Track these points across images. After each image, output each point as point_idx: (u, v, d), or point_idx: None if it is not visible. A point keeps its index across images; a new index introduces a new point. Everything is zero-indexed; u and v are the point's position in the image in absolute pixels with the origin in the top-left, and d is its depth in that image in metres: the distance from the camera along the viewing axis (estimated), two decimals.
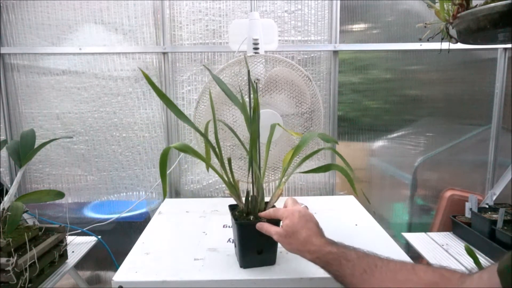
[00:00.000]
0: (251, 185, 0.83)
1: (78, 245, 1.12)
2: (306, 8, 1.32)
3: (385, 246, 0.91)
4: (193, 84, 1.35)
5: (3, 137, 1.36)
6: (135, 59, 1.34)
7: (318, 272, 0.75)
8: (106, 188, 1.42)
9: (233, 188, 0.82)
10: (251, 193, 0.81)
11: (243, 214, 0.81)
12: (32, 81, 1.35)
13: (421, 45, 1.31)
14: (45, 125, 1.38)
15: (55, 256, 0.95)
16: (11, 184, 1.36)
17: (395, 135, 1.41)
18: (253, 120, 0.81)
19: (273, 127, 0.86)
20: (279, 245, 0.74)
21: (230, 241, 0.93)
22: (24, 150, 0.95)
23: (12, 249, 0.83)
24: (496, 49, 1.34)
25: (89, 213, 1.43)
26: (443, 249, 1.11)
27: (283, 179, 0.84)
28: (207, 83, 1.16)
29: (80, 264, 1.11)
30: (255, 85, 1.10)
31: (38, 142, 0.99)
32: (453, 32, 0.65)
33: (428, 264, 0.99)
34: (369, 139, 1.41)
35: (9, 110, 1.37)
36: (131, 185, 1.42)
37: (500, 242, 1.04)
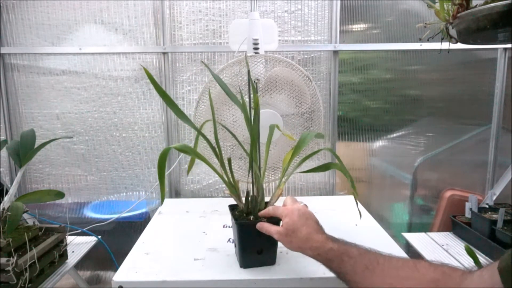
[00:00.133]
0: (251, 185, 0.83)
1: (78, 245, 1.12)
2: (306, 8, 1.32)
3: (385, 246, 0.90)
4: (193, 84, 1.35)
5: (3, 137, 1.36)
6: (135, 59, 1.34)
7: (318, 272, 0.76)
8: (106, 188, 1.42)
9: (233, 188, 0.82)
10: (251, 193, 0.81)
11: (243, 214, 0.81)
12: (32, 81, 1.35)
13: (421, 45, 1.31)
14: (45, 125, 1.38)
15: (55, 256, 0.95)
16: (11, 184, 1.36)
17: (395, 135, 1.41)
18: (253, 120, 0.81)
19: (272, 127, 0.86)
20: (279, 244, 0.73)
21: (230, 241, 0.93)
22: (24, 150, 0.95)
23: (12, 249, 0.83)
24: (496, 49, 1.34)
25: (89, 213, 1.43)
26: (443, 249, 1.11)
27: (283, 179, 0.84)
28: (207, 83, 1.16)
29: (80, 264, 1.12)
30: (255, 85, 1.10)
31: (38, 142, 0.99)
32: (453, 32, 0.65)
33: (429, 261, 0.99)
34: (369, 139, 1.41)
35: (9, 110, 1.37)
36: (131, 185, 1.42)
37: (500, 242, 1.04)
